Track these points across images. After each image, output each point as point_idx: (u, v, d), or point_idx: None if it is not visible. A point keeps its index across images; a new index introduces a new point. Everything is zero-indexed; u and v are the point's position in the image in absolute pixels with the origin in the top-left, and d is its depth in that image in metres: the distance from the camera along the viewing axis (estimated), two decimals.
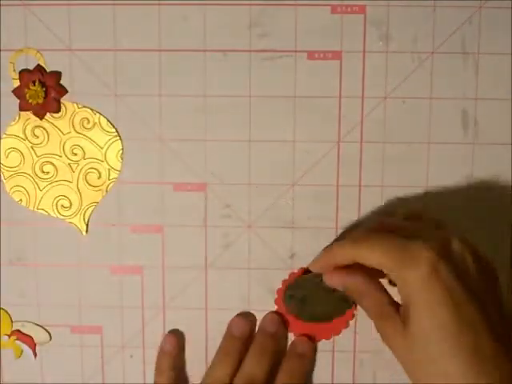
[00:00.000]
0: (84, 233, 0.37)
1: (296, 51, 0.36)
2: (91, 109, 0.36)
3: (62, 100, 0.36)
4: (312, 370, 0.37)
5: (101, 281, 0.38)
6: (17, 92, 0.36)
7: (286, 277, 0.37)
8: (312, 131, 0.36)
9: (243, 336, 0.36)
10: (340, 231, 0.37)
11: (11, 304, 0.38)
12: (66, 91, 0.36)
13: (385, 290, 0.31)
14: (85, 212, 0.37)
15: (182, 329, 0.38)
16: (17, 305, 0.38)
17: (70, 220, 0.37)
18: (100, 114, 0.36)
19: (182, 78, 0.36)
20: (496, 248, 0.37)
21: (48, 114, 0.36)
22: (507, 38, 0.35)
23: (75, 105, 0.36)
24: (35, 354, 0.38)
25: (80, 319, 0.38)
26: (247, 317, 0.37)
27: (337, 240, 0.36)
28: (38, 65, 0.36)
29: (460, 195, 0.36)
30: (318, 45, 0.36)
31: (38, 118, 0.36)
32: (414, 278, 0.28)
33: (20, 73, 0.36)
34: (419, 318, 0.28)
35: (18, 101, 0.36)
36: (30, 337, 0.38)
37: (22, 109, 0.36)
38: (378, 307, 0.30)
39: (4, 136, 0.36)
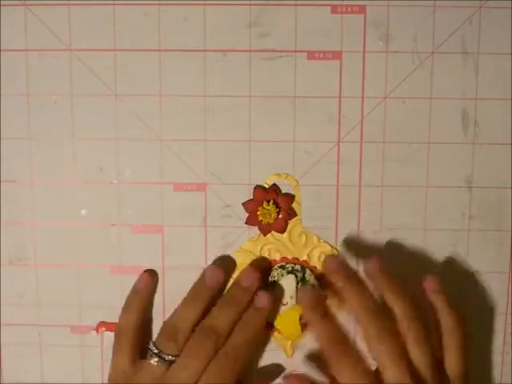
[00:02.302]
0: (289, 356, 0.37)
1: (296, 51, 0.36)
2: (331, 245, 0.37)
3: (307, 232, 0.37)
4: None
5: (101, 281, 0.38)
6: (248, 206, 0.36)
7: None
8: (312, 131, 0.36)
9: (214, 287, 0.35)
10: (340, 231, 0.37)
11: (11, 304, 0.38)
12: (296, 214, 0.36)
13: None
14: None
15: None
16: (17, 305, 0.38)
17: (280, 342, 0.37)
18: (337, 250, 0.37)
19: (182, 77, 0.36)
20: (496, 249, 0.37)
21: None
22: (507, 38, 0.35)
23: (316, 238, 0.37)
24: None
25: (80, 319, 0.38)
26: (224, 266, 0.36)
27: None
28: (274, 184, 0.36)
29: (459, 196, 0.37)
30: (318, 45, 0.36)
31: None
32: None
33: (255, 188, 0.36)
34: None
35: (247, 215, 0.36)
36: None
37: (247, 222, 0.36)
38: None
39: (239, 249, 0.37)
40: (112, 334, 0.37)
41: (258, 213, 0.36)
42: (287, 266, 0.37)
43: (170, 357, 0.33)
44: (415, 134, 0.36)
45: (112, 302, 0.38)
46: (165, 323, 0.35)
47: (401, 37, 0.35)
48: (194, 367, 0.32)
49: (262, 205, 0.36)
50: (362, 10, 0.35)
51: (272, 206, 0.36)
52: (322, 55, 0.36)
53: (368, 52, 0.36)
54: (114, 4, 0.36)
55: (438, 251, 0.37)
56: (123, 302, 0.37)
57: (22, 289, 0.38)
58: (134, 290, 0.37)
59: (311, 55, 0.36)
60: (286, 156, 0.37)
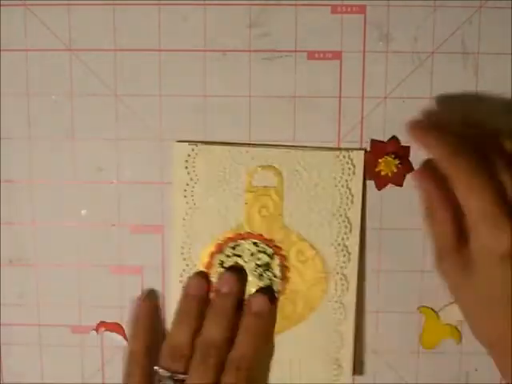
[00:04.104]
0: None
1: (296, 51, 0.36)
2: (310, 243, 0.36)
3: (287, 229, 0.36)
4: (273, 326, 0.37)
5: (101, 281, 0.38)
6: (367, 158, 0.36)
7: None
8: (312, 131, 0.36)
9: (199, 295, 0.35)
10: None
11: (11, 304, 0.38)
12: (412, 168, 0.36)
13: (455, 216, 0.30)
14: None
15: None
16: (17, 305, 0.38)
17: None
18: (317, 251, 0.36)
19: (182, 77, 0.36)
20: None
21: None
22: (507, 38, 0.35)
23: (295, 235, 0.36)
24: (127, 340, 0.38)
25: (80, 319, 0.38)
26: (202, 276, 0.36)
27: None
28: (394, 136, 0.36)
29: None
30: (318, 45, 0.36)
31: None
32: (488, 242, 0.28)
33: (372, 141, 0.36)
34: (486, 275, 0.29)
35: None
36: (117, 323, 0.38)
37: (365, 176, 0.36)
38: (440, 233, 0.31)
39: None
40: (112, 334, 0.38)
41: (379, 164, 0.35)
42: (261, 245, 0.36)
43: (181, 375, 0.33)
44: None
45: (112, 302, 0.38)
46: (165, 346, 0.35)
47: (401, 37, 0.35)
48: None
49: (381, 157, 0.35)
50: (362, 9, 0.35)
51: (393, 157, 0.35)
52: (322, 55, 0.36)
53: (368, 52, 0.36)
54: (113, 4, 0.36)
55: None
56: (123, 302, 0.37)
57: (22, 289, 0.38)
58: (136, 318, 0.37)
59: (311, 55, 0.36)
60: None
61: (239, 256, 0.36)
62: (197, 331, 0.34)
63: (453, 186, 0.30)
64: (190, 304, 0.35)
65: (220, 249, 0.36)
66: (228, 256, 0.36)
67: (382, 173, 0.35)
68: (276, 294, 0.36)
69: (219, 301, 0.35)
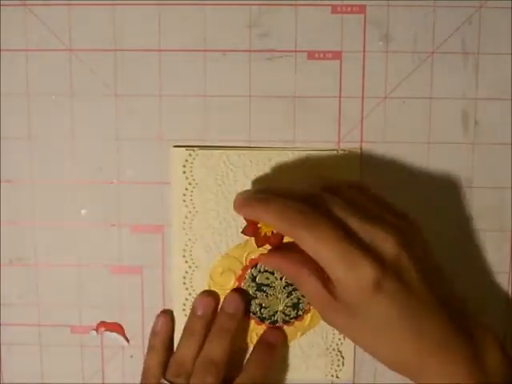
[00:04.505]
0: None
1: (296, 51, 0.36)
2: None
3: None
4: (281, 355, 0.37)
5: (101, 281, 0.38)
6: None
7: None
8: (312, 131, 0.36)
9: (206, 315, 0.36)
10: None
11: (11, 304, 0.38)
12: None
13: (318, 271, 0.29)
14: None
15: (181, 329, 0.38)
16: (16, 305, 0.38)
17: None
18: None
19: (182, 77, 0.36)
20: (496, 249, 0.37)
21: None
22: (507, 38, 0.35)
23: None
24: (127, 340, 0.38)
25: (80, 319, 0.38)
26: (210, 295, 0.37)
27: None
28: None
29: (459, 194, 0.37)
30: (317, 45, 0.36)
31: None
32: (352, 282, 0.28)
33: None
34: (367, 311, 0.28)
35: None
36: (117, 323, 0.38)
37: (244, 232, 0.33)
38: (314, 295, 0.30)
39: (225, 255, 0.36)
40: (112, 334, 0.38)
41: (260, 224, 0.33)
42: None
43: None
44: (415, 134, 0.36)
45: (112, 302, 0.38)
46: (171, 361, 0.36)
47: (401, 37, 0.35)
48: None
49: None
50: (362, 9, 0.35)
51: None
52: (322, 55, 0.36)
53: (368, 52, 0.36)
54: (113, 4, 0.36)
55: (439, 251, 0.37)
56: (123, 302, 0.37)
57: (22, 289, 0.38)
58: (154, 333, 0.37)
59: (311, 55, 0.36)
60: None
61: (272, 273, 0.37)
62: (201, 348, 0.35)
63: (300, 247, 0.29)
64: (196, 322, 0.36)
65: (253, 263, 0.36)
66: (260, 272, 0.37)
67: (262, 233, 0.33)
68: (301, 312, 0.37)
69: (222, 321, 0.36)
